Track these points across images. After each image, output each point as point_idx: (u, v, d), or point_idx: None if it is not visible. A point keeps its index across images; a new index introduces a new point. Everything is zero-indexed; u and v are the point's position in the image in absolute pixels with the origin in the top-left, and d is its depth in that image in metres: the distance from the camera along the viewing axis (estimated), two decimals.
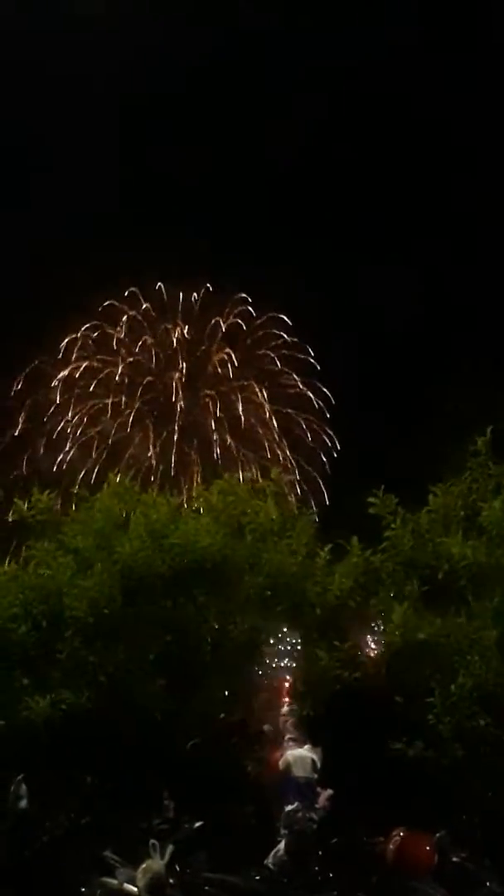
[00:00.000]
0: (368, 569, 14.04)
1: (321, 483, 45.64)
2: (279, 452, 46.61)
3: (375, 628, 14.19)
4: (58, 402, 47.75)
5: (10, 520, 15.25)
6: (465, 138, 43.35)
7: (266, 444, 47.14)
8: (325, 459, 46.84)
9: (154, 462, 46.57)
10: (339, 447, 46.87)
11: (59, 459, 46.12)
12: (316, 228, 45.22)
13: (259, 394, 48.65)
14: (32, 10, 41.15)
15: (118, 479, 15.97)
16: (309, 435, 47.57)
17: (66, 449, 46.65)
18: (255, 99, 45.68)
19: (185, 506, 16.14)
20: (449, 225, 42.48)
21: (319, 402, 47.87)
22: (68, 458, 46.34)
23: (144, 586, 13.94)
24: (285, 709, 13.43)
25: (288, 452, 46.35)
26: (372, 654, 13.92)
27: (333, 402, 47.51)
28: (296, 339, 48.38)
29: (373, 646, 14.12)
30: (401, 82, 43.02)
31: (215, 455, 46.54)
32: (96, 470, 43.26)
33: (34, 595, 14.11)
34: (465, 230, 42.19)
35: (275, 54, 46.31)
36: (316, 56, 46.05)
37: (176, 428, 47.42)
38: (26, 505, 14.99)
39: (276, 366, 48.83)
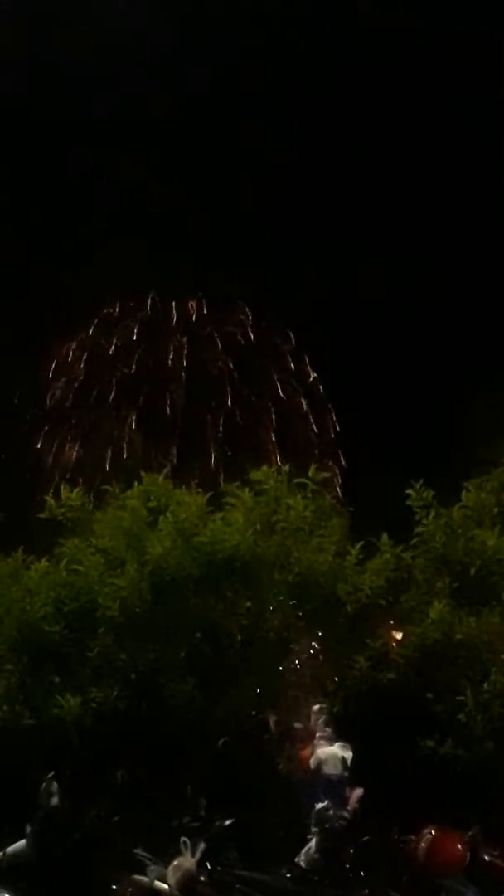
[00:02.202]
0: (399, 566, 13.99)
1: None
2: (279, 459, 46.09)
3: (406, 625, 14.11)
4: (56, 412, 47.74)
5: (41, 517, 15.28)
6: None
7: (268, 453, 46.68)
8: (335, 469, 46.15)
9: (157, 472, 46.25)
10: (347, 453, 46.14)
11: (63, 463, 46.02)
12: (315, 232, 44.82)
13: (260, 402, 48.36)
14: None
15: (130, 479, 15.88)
16: (315, 442, 47.12)
17: (71, 457, 46.59)
18: (255, 103, 45.35)
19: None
20: (459, 226, 41.92)
21: (314, 408, 47.50)
22: (73, 457, 46.28)
23: (174, 585, 13.95)
24: (316, 706, 13.36)
25: (278, 460, 45.72)
26: (403, 653, 13.83)
27: (333, 407, 46.92)
28: (295, 346, 48.04)
29: (403, 643, 14.03)
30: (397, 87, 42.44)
31: (212, 464, 46.19)
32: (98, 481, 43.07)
33: (65, 593, 14.18)
34: (482, 230, 41.58)
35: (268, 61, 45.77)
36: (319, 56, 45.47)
37: (175, 438, 47.22)
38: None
39: (275, 375, 48.54)
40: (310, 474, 15.27)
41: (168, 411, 48.25)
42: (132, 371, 49.03)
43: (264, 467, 15.07)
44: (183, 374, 49.19)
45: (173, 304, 49.55)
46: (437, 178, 41.97)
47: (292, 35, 42.71)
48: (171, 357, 49.41)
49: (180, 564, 13.93)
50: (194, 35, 43.94)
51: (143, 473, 15.96)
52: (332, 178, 43.16)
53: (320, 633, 14.18)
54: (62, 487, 15.56)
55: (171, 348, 49.45)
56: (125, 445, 46.13)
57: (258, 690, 13.91)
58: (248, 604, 14.07)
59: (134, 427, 47.44)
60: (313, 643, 14.27)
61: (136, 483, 15.51)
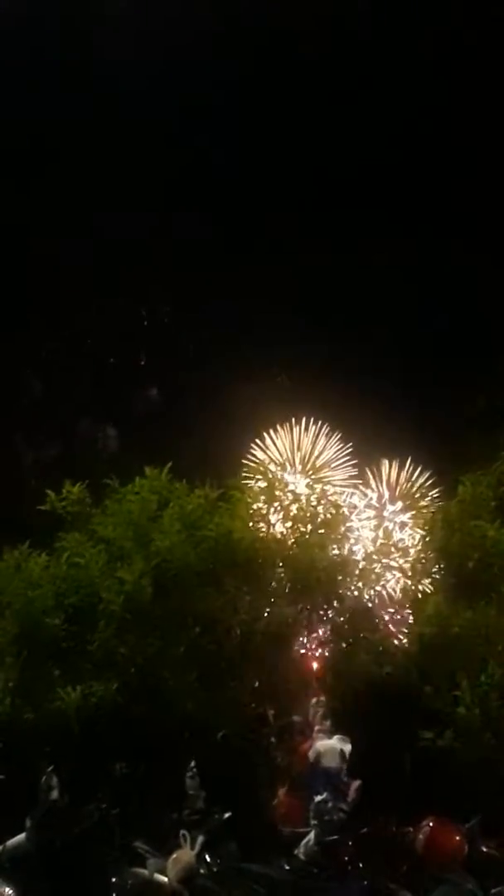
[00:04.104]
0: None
1: None
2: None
3: (405, 619, 14.16)
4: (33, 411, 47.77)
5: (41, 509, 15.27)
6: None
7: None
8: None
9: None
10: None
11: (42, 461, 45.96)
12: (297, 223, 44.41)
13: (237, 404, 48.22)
14: None
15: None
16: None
17: (49, 455, 46.57)
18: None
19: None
20: (456, 213, 41.44)
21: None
22: (52, 455, 46.21)
23: (178, 579, 13.97)
24: (314, 699, 13.41)
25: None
26: (402, 646, 13.88)
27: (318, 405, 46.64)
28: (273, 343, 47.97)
29: (402, 637, 14.08)
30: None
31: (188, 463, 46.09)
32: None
33: (66, 586, 14.20)
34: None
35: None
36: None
37: (152, 439, 47.09)
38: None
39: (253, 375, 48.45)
40: (320, 474, 15.36)
41: (144, 414, 48.36)
42: (108, 373, 49.17)
43: (263, 462, 15.07)
44: (158, 376, 49.29)
45: (143, 311, 49.65)
46: (431, 170, 41.77)
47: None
48: (144, 361, 49.53)
49: (185, 560, 13.95)
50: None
51: (146, 469, 15.94)
52: (320, 175, 42.98)
53: (319, 627, 14.25)
54: (65, 482, 15.52)
55: (146, 351, 49.57)
56: (102, 445, 46.32)
57: (257, 684, 13.96)
58: (249, 597, 14.09)
59: (111, 427, 47.54)
60: (312, 637, 14.34)
61: (137, 478, 15.50)
